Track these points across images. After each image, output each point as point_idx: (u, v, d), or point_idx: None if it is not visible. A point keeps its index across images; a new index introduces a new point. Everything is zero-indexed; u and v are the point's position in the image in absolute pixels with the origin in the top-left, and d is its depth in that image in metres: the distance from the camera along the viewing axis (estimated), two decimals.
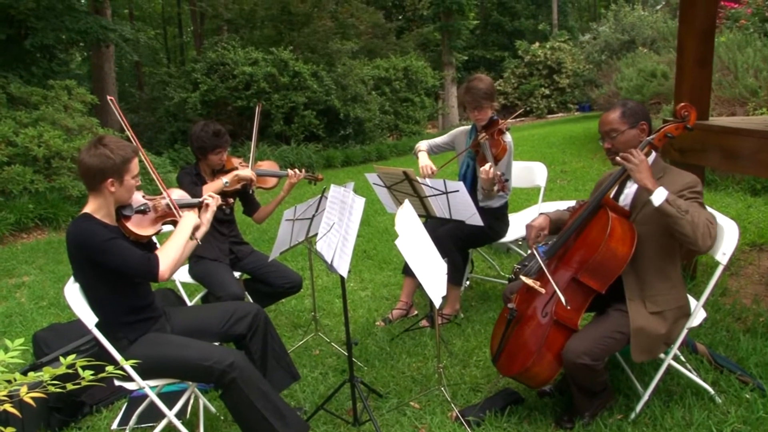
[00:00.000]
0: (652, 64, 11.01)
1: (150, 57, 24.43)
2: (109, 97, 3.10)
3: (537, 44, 25.25)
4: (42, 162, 8.27)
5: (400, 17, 26.18)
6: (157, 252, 2.66)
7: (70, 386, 1.61)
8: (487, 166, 3.65)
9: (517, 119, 23.56)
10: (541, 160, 4.85)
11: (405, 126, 17.73)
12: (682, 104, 2.68)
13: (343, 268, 2.82)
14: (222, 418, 3.16)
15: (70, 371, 1.60)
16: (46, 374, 1.55)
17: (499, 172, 3.66)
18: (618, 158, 2.63)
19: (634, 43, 17.33)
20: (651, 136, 2.67)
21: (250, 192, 4.01)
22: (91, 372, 1.64)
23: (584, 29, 28.28)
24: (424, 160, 4.10)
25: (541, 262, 2.77)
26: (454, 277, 4.02)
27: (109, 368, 1.73)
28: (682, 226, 2.40)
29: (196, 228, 2.84)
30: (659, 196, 2.46)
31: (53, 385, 1.56)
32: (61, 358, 1.57)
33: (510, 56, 27.04)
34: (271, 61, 13.97)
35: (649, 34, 17.16)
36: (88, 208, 2.63)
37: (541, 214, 3.00)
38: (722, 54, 8.65)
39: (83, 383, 1.58)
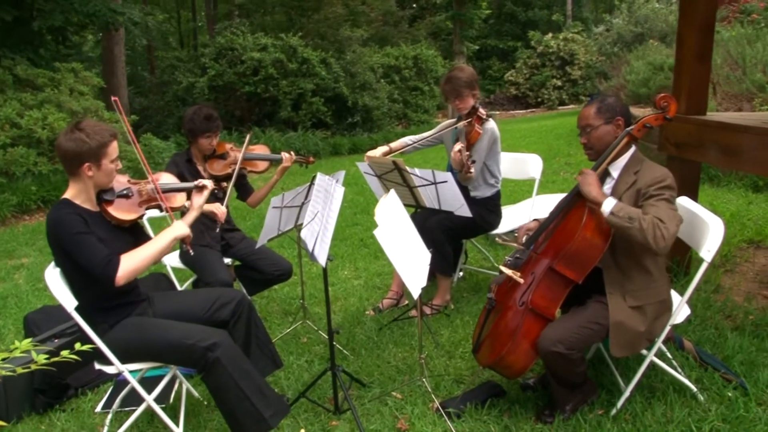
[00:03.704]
0: (662, 57, 10.88)
1: (163, 41, 24.42)
2: (113, 98, 3.03)
3: (550, 35, 24.96)
4: (46, 144, 8.30)
5: (413, 5, 26.03)
6: (124, 256, 2.55)
7: (41, 359, 1.61)
8: (457, 146, 3.65)
9: (528, 110, 23.42)
10: (546, 152, 4.82)
11: (414, 115, 17.62)
12: (662, 95, 2.68)
13: (321, 257, 2.81)
14: (205, 403, 3.18)
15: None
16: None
17: (467, 153, 3.65)
18: (576, 176, 2.67)
19: (646, 36, 17.13)
20: (630, 127, 2.66)
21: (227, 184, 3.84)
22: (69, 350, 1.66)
23: (598, 21, 27.96)
24: (377, 150, 4.10)
25: (521, 255, 2.79)
26: (445, 268, 4.02)
27: (81, 347, 1.74)
28: (633, 235, 2.44)
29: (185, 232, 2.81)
30: (606, 208, 2.50)
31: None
32: (17, 343, 1.58)
33: (522, 46, 26.73)
34: (280, 47, 13.93)
35: (661, 27, 16.95)
36: (68, 194, 2.63)
37: (535, 220, 3.02)
38: (731, 48, 8.53)
39: (53, 359, 1.59)
